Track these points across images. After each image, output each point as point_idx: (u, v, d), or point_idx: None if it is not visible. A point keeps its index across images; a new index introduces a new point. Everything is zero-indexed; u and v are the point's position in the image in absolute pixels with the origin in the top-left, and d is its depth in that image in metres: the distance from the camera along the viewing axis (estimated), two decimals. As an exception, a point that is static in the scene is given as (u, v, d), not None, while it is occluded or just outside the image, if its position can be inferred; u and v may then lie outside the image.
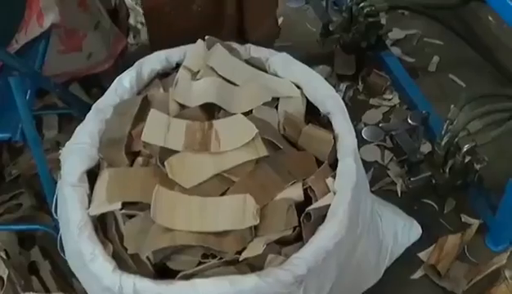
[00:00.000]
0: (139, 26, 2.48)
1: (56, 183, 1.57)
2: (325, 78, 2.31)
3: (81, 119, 1.60)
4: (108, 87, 1.67)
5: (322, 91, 1.61)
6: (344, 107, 1.58)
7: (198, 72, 1.60)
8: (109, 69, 2.25)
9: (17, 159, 2.21)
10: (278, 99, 1.59)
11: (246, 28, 1.96)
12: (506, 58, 2.45)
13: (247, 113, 1.51)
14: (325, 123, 1.58)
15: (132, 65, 1.68)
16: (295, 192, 1.41)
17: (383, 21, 2.45)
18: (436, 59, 2.56)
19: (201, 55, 1.63)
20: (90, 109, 1.61)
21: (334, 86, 2.29)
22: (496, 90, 2.32)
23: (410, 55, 2.58)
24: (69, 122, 2.25)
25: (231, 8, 1.91)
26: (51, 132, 2.29)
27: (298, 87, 1.63)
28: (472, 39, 2.53)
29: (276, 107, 1.58)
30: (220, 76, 1.58)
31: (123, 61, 2.29)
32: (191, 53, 1.66)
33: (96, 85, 2.32)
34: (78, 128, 1.55)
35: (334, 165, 1.48)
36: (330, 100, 1.58)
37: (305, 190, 1.42)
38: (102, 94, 1.89)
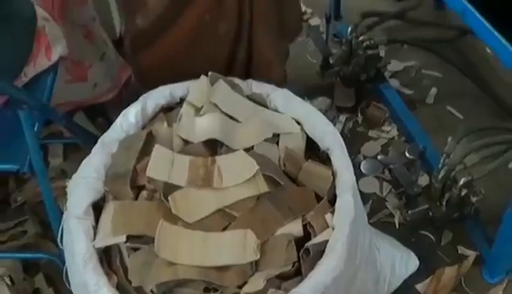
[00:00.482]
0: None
1: (61, 212, 1.61)
2: (325, 110, 2.39)
3: (86, 149, 1.64)
4: (113, 117, 1.71)
5: (321, 127, 1.65)
6: (343, 143, 1.62)
7: (201, 107, 1.65)
8: (113, 98, 2.30)
9: (23, 186, 2.24)
10: (279, 135, 1.63)
11: (253, 74, 1.98)
12: (503, 90, 2.50)
13: (248, 149, 1.56)
14: (325, 159, 1.62)
15: (136, 94, 1.73)
16: (295, 227, 1.45)
17: (381, 54, 2.50)
18: (434, 91, 2.60)
19: (204, 92, 1.67)
20: (95, 138, 1.65)
21: (334, 118, 2.36)
22: (494, 122, 2.36)
23: (408, 87, 2.62)
24: (75, 150, 2.30)
25: (243, 52, 1.95)
26: (57, 160, 2.33)
27: (298, 123, 1.67)
28: (469, 71, 2.58)
29: (277, 143, 1.62)
30: (223, 112, 1.62)
31: (128, 91, 2.33)
32: (195, 89, 1.70)
33: (101, 114, 2.36)
34: (84, 161, 1.59)
35: (333, 200, 1.52)
36: (329, 136, 1.62)
37: (304, 226, 1.46)
38: (107, 123, 1.92)
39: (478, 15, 1.65)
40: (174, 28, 1.83)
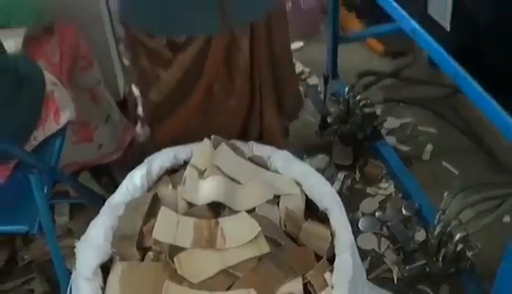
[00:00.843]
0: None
1: (69, 271, 1.65)
2: (324, 168, 2.44)
3: (91, 208, 1.68)
4: (117, 177, 1.77)
5: (320, 187, 1.72)
6: (341, 203, 1.69)
7: (204, 170, 1.72)
8: (118, 158, 2.35)
9: (30, 245, 2.27)
10: (279, 196, 1.70)
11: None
12: (497, 145, 2.55)
13: (250, 211, 1.62)
14: (324, 218, 1.68)
15: (141, 155, 1.80)
16: (295, 286, 1.50)
17: (378, 112, 2.57)
18: (429, 147, 2.66)
19: (207, 155, 1.75)
20: (100, 199, 1.71)
21: (333, 176, 2.41)
22: (489, 177, 2.41)
23: (404, 144, 2.68)
24: (80, 209, 2.33)
25: (255, 129, 2.03)
26: (63, 219, 2.36)
27: (298, 184, 1.74)
28: (464, 127, 2.65)
29: (278, 203, 1.69)
30: (225, 174, 1.69)
31: (132, 151, 2.39)
32: (198, 152, 1.78)
33: (106, 173, 2.41)
34: (92, 223, 1.65)
35: (332, 258, 1.57)
36: (328, 196, 1.69)
37: (305, 285, 1.52)
38: (112, 183, 1.97)
39: (469, 77, 1.71)
40: (186, 102, 1.91)
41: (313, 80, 3.04)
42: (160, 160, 1.78)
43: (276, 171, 1.78)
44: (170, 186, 1.71)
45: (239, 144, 1.83)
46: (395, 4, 1.99)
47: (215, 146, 1.77)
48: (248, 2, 1.82)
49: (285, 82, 2.06)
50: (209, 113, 1.93)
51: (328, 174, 2.43)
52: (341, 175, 2.46)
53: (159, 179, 1.78)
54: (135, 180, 1.73)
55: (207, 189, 1.64)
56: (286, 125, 2.22)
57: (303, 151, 2.50)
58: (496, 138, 2.57)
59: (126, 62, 2.44)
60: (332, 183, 2.37)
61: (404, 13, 1.95)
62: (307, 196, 1.73)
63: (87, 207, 2.22)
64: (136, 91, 2.51)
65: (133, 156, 2.33)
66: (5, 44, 1.77)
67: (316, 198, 1.70)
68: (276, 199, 1.69)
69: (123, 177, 1.80)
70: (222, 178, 1.67)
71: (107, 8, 2.40)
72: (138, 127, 2.60)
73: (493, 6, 1.55)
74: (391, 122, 2.76)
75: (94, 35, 2.25)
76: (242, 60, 1.87)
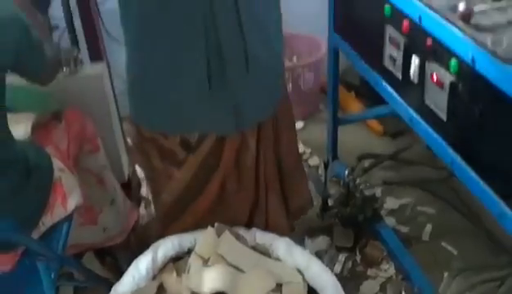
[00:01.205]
0: (150, 197, 2.59)
1: None
2: (326, 250, 2.46)
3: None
4: (121, 258, 1.80)
5: (321, 277, 1.76)
6: (342, 292, 1.71)
7: (208, 258, 1.75)
8: (122, 241, 2.38)
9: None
10: (282, 284, 1.72)
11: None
12: (496, 226, 2.56)
13: (254, 300, 1.65)
14: (326, 307, 1.72)
15: (143, 235, 1.82)
16: None
17: (378, 193, 2.60)
18: (429, 227, 2.68)
19: (211, 243, 1.78)
20: (104, 282, 1.73)
21: (333, 258, 2.43)
22: (488, 257, 2.43)
23: (404, 225, 2.69)
24: (84, 291, 2.35)
25: (261, 221, 2.06)
26: (67, 300, 2.39)
27: (300, 272, 1.77)
28: (462, 207, 2.68)
29: (280, 291, 1.71)
30: (229, 263, 1.72)
31: (135, 235, 2.41)
32: (202, 240, 1.82)
33: (110, 254, 2.43)
34: (98, 311, 1.69)
35: None
36: (330, 289, 1.72)
37: None
38: (115, 264, 1.99)
39: (465, 166, 1.74)
40: (198, 200, 1.94)
41: (314, 161, 3.07)
42: (165, 248, 1.82)
43: (278, 259, 1.81)
44: (174, 274, 1.75)
45: (242, 231, 1.87)
46: (393, 93, 2.05)
47: (219, 234, 1.81)
48: (258, 102, 1.88)
49: (293, 180, 2.11)
50: (218, 210, 1.96)
51: (329, 256, 2.45)
52: (342, 257, 2.48)
53: (164, 266, 1.81)
54: (140, 268, 1.76)
55: (211, 279, 1.67)
56: (292, 221, 2.25)
57: (305, 233, 2.54)
58: (495, 219, 2.59)
59: (130, 142, 2.49)
60: (333, 265, 2.40)
61: (402, 102, 2.01)
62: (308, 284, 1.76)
63: (91, 289, 2.24)
64: (140, 173, 2.56)
65: (137, 238, 2.37)
66: (14, 130, 1.80)
67: (317, 288, 1.73)
68: (279, 287, 1.72)
69: (127, 259, 1.84)
70: (226, 267, 1.71)
71: (112, 91, 2.46)
72: (142, 208, 2.66)
73: (488, 99, 1.59)
74: (390, 203, 2.79)
75: (98, 117, 2.29)
76: (249, 159, 1.91)
